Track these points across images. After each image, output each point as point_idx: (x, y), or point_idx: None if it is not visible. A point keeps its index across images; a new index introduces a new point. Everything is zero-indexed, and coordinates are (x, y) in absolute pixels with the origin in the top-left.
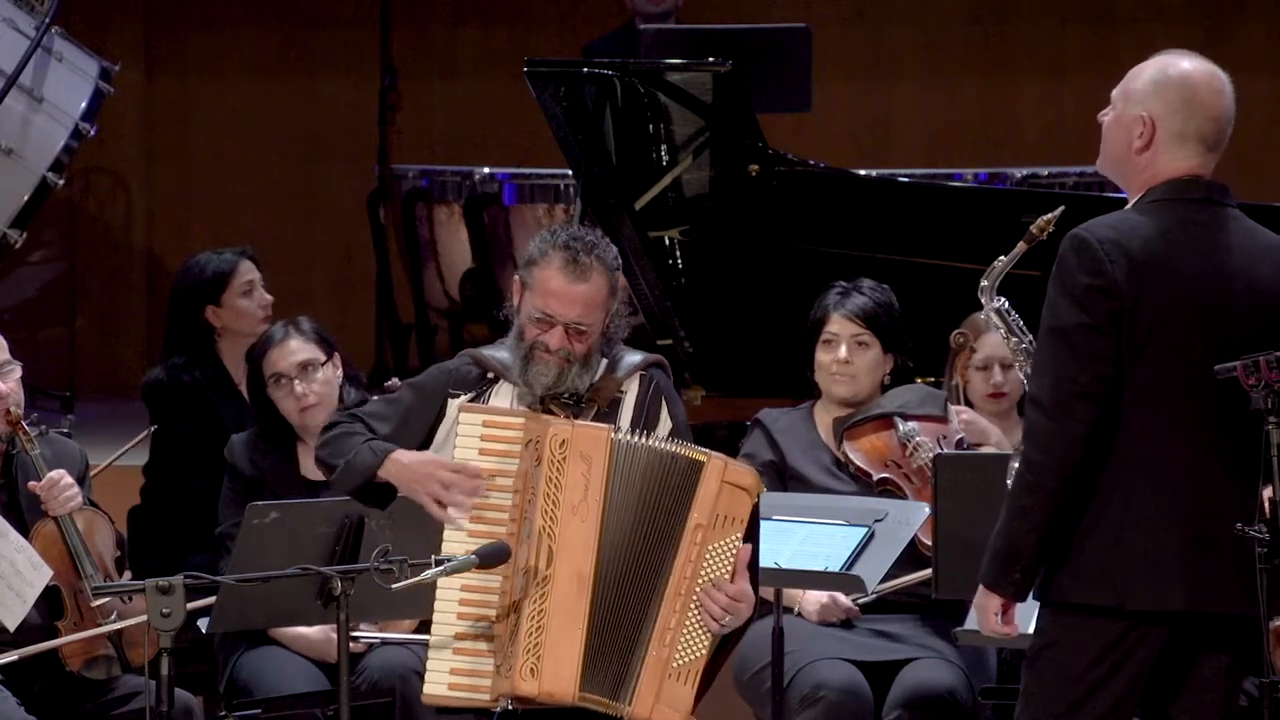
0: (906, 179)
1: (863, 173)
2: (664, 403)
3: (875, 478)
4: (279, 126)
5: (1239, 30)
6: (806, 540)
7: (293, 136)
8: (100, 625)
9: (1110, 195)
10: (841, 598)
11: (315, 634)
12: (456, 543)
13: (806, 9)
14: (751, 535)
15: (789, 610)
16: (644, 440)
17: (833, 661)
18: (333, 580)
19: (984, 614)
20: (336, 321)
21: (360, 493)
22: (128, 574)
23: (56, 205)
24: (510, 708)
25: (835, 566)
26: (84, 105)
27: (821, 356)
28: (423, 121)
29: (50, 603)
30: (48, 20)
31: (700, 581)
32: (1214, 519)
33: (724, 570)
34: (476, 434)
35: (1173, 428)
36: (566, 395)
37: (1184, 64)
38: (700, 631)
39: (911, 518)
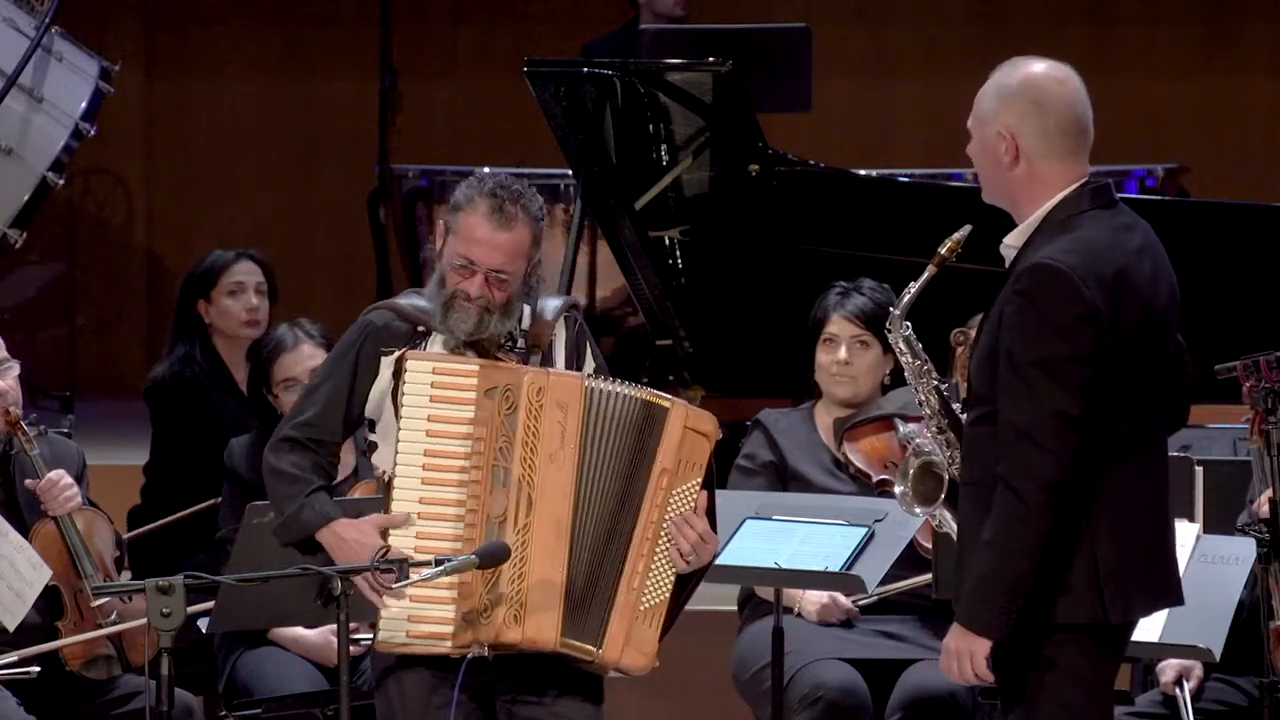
0: (906, 179)
1: (863, 173)
2: (587, 343)
3: (875, 479)
4: (279, 126)
5: (1239, 30)
6: (806, 540)
7: (293, 136)
8: (100, 626)
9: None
10: (841, 598)
11: (313, 637)
12: (409, 489)
13: (806, 9)
14: (709, 483)
15: (789, 610)
16: (613, 386)
17: (832, 662)
18: (333, 580)
19: (970, 660)
20: (336, 322)
21: (297, 545)
22: (127, 574)
23: (56, 205)
24: (484, 655)
25: (835, 566)
26: (84, 105)
27: (822, 357)
28: (423, 121)
29: (50, 603)
30: (48, 20)
31: (665, 527)
32: (1169, 528)
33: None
34: (426, 381)
35: (1137, 438)
36: (506, 340)
37: (1022, 69)
38: (665, 573)
39: (911, 518)
